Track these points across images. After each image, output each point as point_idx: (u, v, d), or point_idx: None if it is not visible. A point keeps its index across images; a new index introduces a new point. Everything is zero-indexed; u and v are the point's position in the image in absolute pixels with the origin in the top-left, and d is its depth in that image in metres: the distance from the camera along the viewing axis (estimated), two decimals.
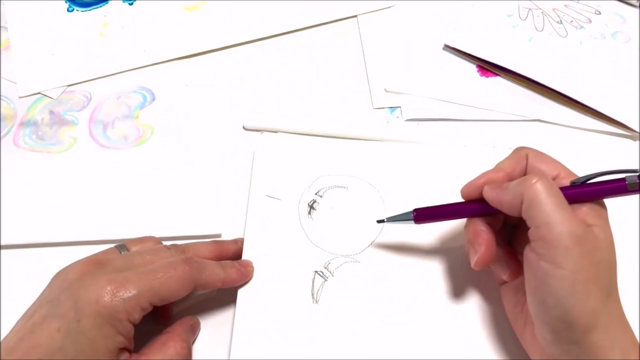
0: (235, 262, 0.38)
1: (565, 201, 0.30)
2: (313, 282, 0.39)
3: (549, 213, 0.30)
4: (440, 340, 0.37)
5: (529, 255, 0.31)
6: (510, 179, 0.34)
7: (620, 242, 0.41)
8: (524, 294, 0.32)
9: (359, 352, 0.36)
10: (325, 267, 0.39)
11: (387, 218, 0.38)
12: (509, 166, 0.35)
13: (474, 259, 0.34)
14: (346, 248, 0.40)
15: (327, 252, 0.40)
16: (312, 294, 0.38)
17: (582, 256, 0.29)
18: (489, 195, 0.33)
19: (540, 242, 0.30)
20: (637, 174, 0.32)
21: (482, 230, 0.34)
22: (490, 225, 0.35)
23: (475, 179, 0.35)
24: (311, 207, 0.42)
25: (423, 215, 0.36)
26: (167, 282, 0.32)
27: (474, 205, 0.35)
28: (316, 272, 0.39)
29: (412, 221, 0.36)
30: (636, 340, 0.31)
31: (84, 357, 0.30)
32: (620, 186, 0.32)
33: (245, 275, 0.38)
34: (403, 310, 0.38)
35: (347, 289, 0.39)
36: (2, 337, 0.37)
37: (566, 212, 0.30)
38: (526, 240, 0.31)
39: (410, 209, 0.37)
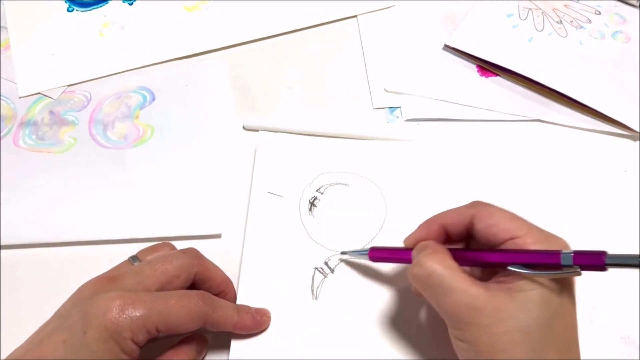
0: (252, 309, 0.36)
1: (450, 276, 0.29)
2: (313, 278, 0.39)
3: (434, 303, 0.31)
4: (440, 338, 0.37)
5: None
6: (452, 233, 0.33)
7: (619, 239, 0.41)
8: None
9: (358, 350, 0.36)
10: (325, 264, 0.39)
11: (348, 252, 0.39)
12: (450, 221, 0.33)
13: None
14: (346, 245, 0.40)
15: (327, 248, 0.40)
16: (312, 291, 0.38)
17: (481, 329, 0.28)
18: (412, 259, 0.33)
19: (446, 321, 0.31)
20: (572, 253, 0.28)
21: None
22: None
23: (416, 230, 0.35)
24: (312, 203, 0.42)
25: (376, 256, 0.37)
26: (177, 311, 0.31)
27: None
28: (316, 268, 0.39)
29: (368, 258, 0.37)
30: None
31: None
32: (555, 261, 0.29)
33: (259, 324, 0.36)
34: (403, 307, 0.38)
35: (347, 286, 0.39)
36: (4, 340, 0.38)
37: (452, 293, 0.29)
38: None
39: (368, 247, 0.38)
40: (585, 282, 0.39)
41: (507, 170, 0.44)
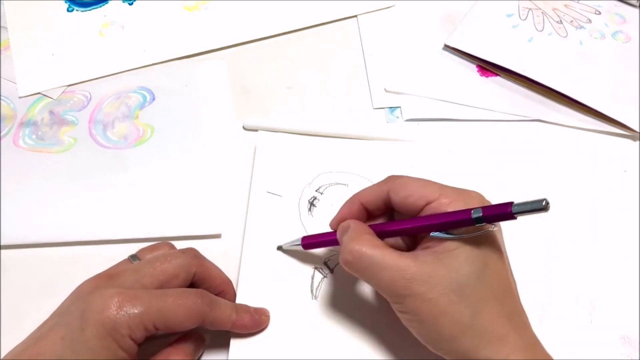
0: (250, 308, 0.36)
1: (378, 255, 0.30)
2: (312, 278, 0.39)
3: (370, 283, 0.32)
4: None
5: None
6: (372, 209, 0.34)
7: (619, 239, 0.41)
8: None
9: (358, 349, 0.36)
10: (325, 264, 0.39)
11: (284, 245, 0.39)
12: (367, 198, 0.34)
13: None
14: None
15: (327, 248, 0.40)
16: (312, 291, 0.38)
17: (418, 298, 0.29)
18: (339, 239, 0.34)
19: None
20: (480, 208, 0.29)
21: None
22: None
23: (338, 212, 0.35)
24: (311, 203, 0.42)
25: (308, 242, 0.38)
26: (175, 309, 0.32)
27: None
28: (316, 268, 0.39)
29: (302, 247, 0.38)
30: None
31: None
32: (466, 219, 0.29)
33: (258, 323, 0.36)
34: None
35: (346, 286, 0.39)
36: (4, 340, 0.38)
37: (384, 271, 0.30)
38: None
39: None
40: (585, 282, 0.39)
41: (507, 170, 0.44)
